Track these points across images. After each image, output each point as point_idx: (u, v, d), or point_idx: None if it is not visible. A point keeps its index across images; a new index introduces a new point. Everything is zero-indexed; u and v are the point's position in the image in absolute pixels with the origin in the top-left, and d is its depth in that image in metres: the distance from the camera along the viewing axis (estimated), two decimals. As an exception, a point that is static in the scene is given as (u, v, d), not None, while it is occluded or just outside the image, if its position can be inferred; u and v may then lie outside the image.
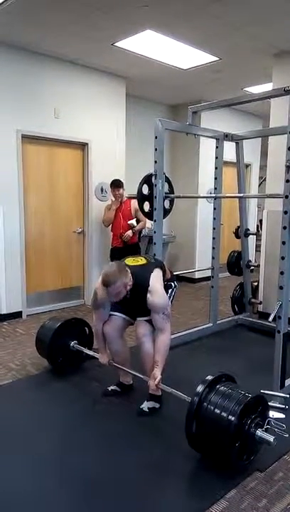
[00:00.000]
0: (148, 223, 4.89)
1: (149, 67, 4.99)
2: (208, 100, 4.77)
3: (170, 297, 2.94)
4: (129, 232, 4.99)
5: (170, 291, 2.97)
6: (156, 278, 2.69)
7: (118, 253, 4.75)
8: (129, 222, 5.01)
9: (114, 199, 5.14)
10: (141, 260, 2.83)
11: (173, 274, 3.12)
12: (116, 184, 5.04)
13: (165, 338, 2.65)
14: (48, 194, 5.07)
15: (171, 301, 2.98)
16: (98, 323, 2.93)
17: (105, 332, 2.91)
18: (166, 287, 2.88)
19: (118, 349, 2.96)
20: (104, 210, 5.25)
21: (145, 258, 2.88)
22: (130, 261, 2.81)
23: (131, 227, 5.00)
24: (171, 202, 3.86)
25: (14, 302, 4.82)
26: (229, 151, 4.44)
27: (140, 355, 2.80)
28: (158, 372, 2.57)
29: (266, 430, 2.16)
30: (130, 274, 2.63)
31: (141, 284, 2.62)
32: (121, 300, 2.72)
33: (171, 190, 3.91)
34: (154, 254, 3.54)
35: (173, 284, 3.03)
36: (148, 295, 2.60)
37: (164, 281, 2.84)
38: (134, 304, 2.73)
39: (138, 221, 5.03)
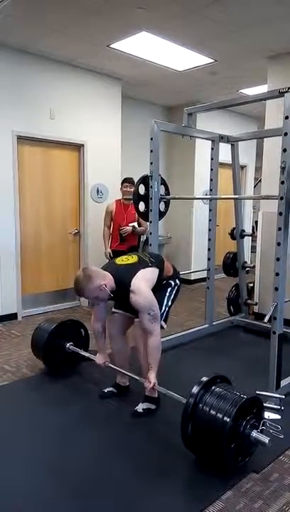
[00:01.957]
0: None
1: (145, 68, 5.00)
2: (204, 102, 4.79)
3: (169, 297, 2.86)
4: (129, 228, 4.90)
5: (169, 290, 2.87)
6: (140, 277, 2.59)
7: (117, 255, 4.71)
8: (131, 224, 4.95)
9: (121, 197, 4.98)
10: (132, 258, 2.76)
11: (176, 272, 2.99)
12: (132, 181, 4.84)
13: (154, 341, 2.57)
14: (44, 195, 5.06)
15: (171, 301, 2.88)
16: (95, 321, 2.92)
17: (108, 329, 2.91)
18: (165, 286, 2.84)
19: (119, 347, 2.96)
20: (104, 215, 4.98)
21: (138, 256, 2.79)
22: (120, 259, 2.78)
23: (133, 229, 4.96)
24: (167, 203, 3.87)
25: (9, 304, 4.80)
26: (224, 152, 4.46)
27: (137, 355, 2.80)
28: (152, 376, 2.57)
29: (262, 431, 2.17)
30: (106, 275, 2.59)
31: (123, 284, 2.57)
32: (117, 299, 2.71)
33: (167, 191, 3.91)
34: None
35: (173, 282, 2.90)
36: (131, 295, 2.53)
37: (162, 280, 2.80)
38: (126, 303, 2.66)
39: (139, 225, 4.97)
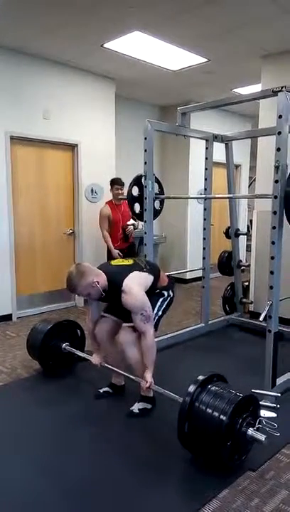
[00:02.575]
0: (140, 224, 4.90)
1: (138, 68, 4.99)
2: (197, 101, 4.80)
3: (161, 307, 2.83)
4: (131, 227, 5.01)
5: (161, 300, 2.83)
6: (132, 278, 2.57)
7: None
8: (129, 222, 5.01)
9: (113, 198, 5.07)
10: (127, 261, 2.77)
11: (172, 283, 2.95)
12: (121, 183, 4.99)
13: (148, 342, 2.55)
14: (38, 195, 5.04)
15: (162, 311, 2.85)
16: (89, 321, 2.93)
17: (95, 333, 2.89)
18: (157, 295, 2.82)
19: (109, 350, 2.94)
20: (100, 220, 4.99)
21: (134, 260, 2.80)
22: (116, 261, 2.80)
23: (135, 227, 5.03)
24: (161, 203, 3.87)
25: (4, 304, 4.79)
26: (219, 151, 4.46)
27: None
28: (148, 376, 2.56)
29: (258, 429, 2.17)
30: (100, 273, 2.59)
31: (115, 284, 2.56)
32: (108, 300, 2.70)
33: (161, 191, 3.92)
34: (145, 256, 3.54)
35: (166, 293, 2.87)
36: (122, 295, 2.51)
37: (156, 289, 2.79)
38: (117, 304, 2.64)
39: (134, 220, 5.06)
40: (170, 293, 2.91)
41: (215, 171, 4.40)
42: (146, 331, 2.55)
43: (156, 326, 2.80)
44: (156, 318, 2.81)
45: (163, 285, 2.87)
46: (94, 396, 2.99)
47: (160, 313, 2.84)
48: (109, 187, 5.11)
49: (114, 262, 2.79)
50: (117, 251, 4.96)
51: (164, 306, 2.87)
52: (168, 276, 3.01)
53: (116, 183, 5.04)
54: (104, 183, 5.49)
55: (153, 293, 2.76)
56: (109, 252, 5.08)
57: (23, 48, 4.50)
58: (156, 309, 2.80)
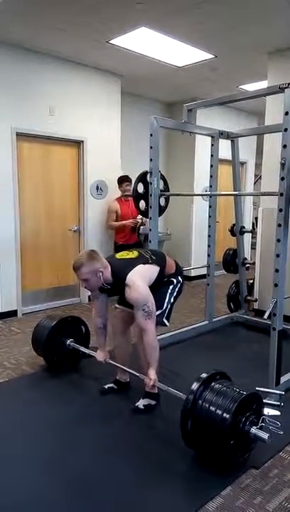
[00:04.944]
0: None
1: (144, 64, 4.97)
2: (204, 98, 4.76)
3: (172, 294, 2.82)
4: (140, 220, 5.21)
5: (171, 287, 2.83)
6: (136, 272, 2.55)
7: (123, 249, 4.82)
8: (139, 217, 5.20)
9: (122, 195, 5.32)
10: (132, 254, 2.74)
11: (180, 269, 2.94)
12: (130, 179, 5.16)
13: (149, 339, 2.53)
14: (44, 192, 5.05)
15: (174, 298, 2.84)
16: (95, 316, 2.94)
17: (110, 324, 2.92)
18: (167, 283, 2.82)
19: (120, 343, 2.96)
20: (108, 214, 5.37)
21: (138, 252, 2.77)
22: (120, 254, 2.78)
23: (143, 222, 5.15)
24: (167, 200, 3.86)
25: (9, 301, 4.80)
26: (224, 148, 4.44)
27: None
28: (152, 373, 2.56)
29: (261, 428, 2.17)
30: (105, 263, 2.59)
31: (120, 278, 2.56)
32: (115, 293, 2.72)
33: (166, 187, 3.91)
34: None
35: (175, 279, 2.85)
36: (126, 289, 2.51)
37: (164, 277, 2.79)
38: (125, 298, 2.64)
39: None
40: (179, 279, 2.90)
41: (221, 168, 4.39)
42: (147, 328, 2.52)
43: (168, 315, 2.82)
44: (169, 306, 2.82)
45: (170, 272, 2.85)
46: (98, 392, 3.00)
47: (172, 300, 2.84)
48: (116, 184, 5.23)
49: (119, 256, 2.76)
50: (131, 220, 5.21)
51: (175, 294, 2.86)
52: (175, 261, 2.97)
53: (125, 180, 5.27)
54: (109, 179, 5.50)
55: (162, 282, 2.77)
56: (116, 246, 5.23)
57: (29, 45, 4.50)
58: (167, 297, 2.81)
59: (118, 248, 5.10)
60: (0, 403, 2.94)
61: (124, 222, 5.25)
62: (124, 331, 2.95)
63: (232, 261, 4.84)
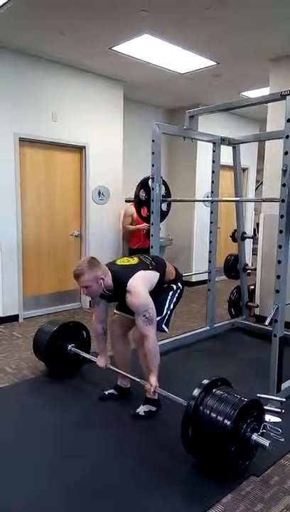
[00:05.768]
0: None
1: (147, 71, 5.01)
2: (205, 104, 4.79)
3: (171, 300, 2.83)
4: None
5: (171, 293, 2.83)
6: (137, 278, 2.56)
7: (137, 253, 4.86)
8: None
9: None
10: (132, 260, 2.76)
11: (179, 276, 2.95)
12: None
13: (149, 345, 2.53)
14: (46, 197, 5.07)
15: (173, 305, 2.85)
16: (95, 322, 2.93)
17: (109, 330, 2.92)
18: (167, 289, 2.83)
19: (120, 349, 2.96)
20: (124, 218, 5.46)
21: (139, 258, 2.78)
22: (121, 260, 2.79)
23: None
24: (168, 205, 3.87)
25: (11, 305, 4.81)
26: (226, 154, 4.46)
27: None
28: (153, 379, 2.55)
29: (262, 434, 2.16)
30: (106, 270, 2.60)
31: (121, 284, 2.57)
32: (115, 299, 2.73)
33: (168, 193, 3.92)
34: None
35: (175, 286, 2.86)
36: (127, 294, 2.51)
37: (164, 283, 2.80)
38: (125, 304, 2.64)
39: None
40: (179, 285, 2.91)
41: (222, 174, 4.40)
42: (149, 335, 2.52)
43: (167, 321, 2.82)
44: (168, 312, 2.82)
45: (170, 278, 2.86)
46: (99, 398, 2.99)
47: (171, 306, 2.84)
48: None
49: (119, 262, 2.77)
50: (145, 224, 5.01)
51: (175, 300, 2.87)
52: (174, 268, 2.98)
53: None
54: (111, 185, 5.52)
55: (162, 288, 2.78)
56: (132, 251, 5.15)
57: (32, 50, 4.54)
58: (167, 303, 2.82)
59: (132, 252, 5.09)
60: (1, 408, 2.94)
61: (138, 226, 5.25)
62: (123, 336, 2.95)
63: (233, 267, 4.84)
